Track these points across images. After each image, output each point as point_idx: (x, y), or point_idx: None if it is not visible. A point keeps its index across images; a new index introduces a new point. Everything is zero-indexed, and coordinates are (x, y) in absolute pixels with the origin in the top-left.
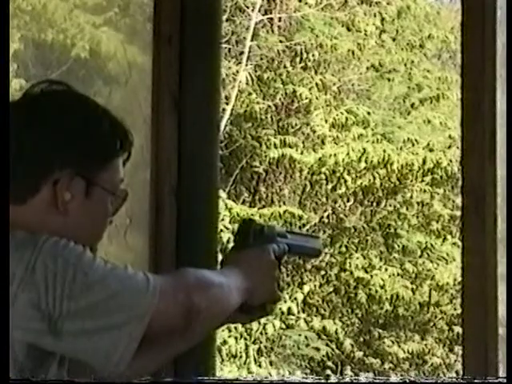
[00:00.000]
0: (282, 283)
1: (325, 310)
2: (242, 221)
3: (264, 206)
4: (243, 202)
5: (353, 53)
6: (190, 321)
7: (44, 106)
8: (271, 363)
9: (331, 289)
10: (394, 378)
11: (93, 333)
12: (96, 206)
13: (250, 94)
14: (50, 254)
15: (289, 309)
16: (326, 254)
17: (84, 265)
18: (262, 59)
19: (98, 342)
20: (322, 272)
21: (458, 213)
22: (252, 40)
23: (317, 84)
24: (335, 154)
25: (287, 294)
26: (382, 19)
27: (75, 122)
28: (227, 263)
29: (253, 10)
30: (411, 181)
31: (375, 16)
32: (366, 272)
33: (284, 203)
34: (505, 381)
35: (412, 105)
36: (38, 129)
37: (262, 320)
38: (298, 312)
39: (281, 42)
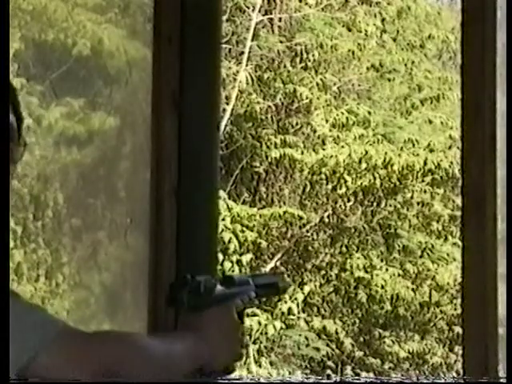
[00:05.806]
0: (245, 339)
1: (325, 310)
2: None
3: (264, 206)
4: (243, 202)
5: (353, 53)
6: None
7: None
8: (271, 363)
9: (331, 289)
10: (394, 378)
11: None
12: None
13: (250, 94)
14: None
15: (289, 309)
16: (326, 254)
17: None
18: (262, 59)
19: None
20: (323, 272)
21: (459, 213)
22: (252, 40)
23: (317, 84)
24: (336, 154)
25: (287, 294)
26: (383, 19)
27: None
28: (183, 326)
29: (253, 11)
30: (412, 181)
31: (375, 16)
32: (367, 272)
33: (284, 203)
34: (505, 381)
35: (413, 105)
36: None
37: (262, 320)
38: (299, 312)
39: (281, 42)
